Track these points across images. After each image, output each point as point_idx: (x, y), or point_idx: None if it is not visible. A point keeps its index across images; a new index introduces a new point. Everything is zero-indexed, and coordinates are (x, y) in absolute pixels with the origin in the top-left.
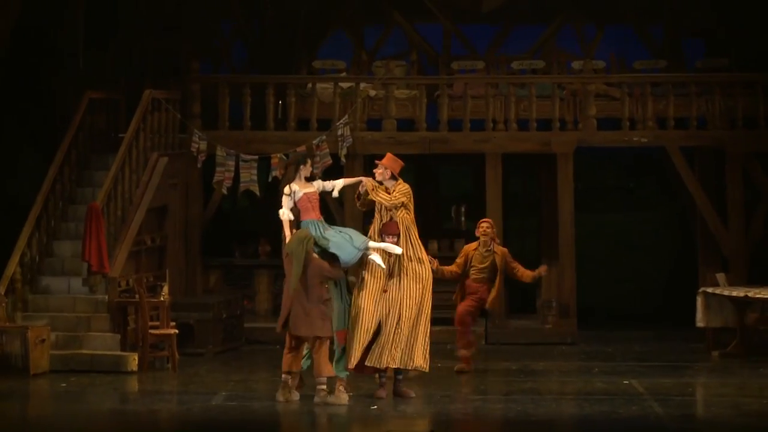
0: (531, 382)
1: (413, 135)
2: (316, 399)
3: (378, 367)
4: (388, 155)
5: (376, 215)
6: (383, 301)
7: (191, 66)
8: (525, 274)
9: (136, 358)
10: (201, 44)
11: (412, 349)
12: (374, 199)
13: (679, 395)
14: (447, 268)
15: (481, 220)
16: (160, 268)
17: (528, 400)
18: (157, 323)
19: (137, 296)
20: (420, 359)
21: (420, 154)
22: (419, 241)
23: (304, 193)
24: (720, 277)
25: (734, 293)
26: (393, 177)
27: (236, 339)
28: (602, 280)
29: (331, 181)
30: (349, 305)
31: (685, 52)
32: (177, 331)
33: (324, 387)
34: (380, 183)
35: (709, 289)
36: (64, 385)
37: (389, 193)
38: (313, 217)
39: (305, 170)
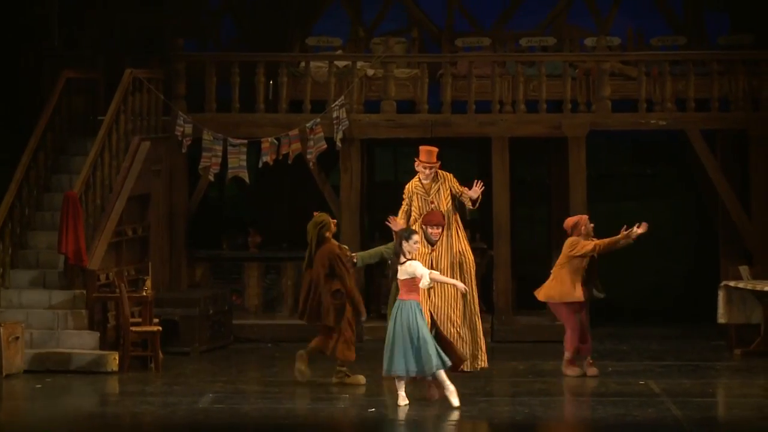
0: (540, 383)
1: (414, 117)
2: (334, 379)
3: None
4: (422, 149)
5: (414, 208)
6: (433, 301)
7: (175, 43)
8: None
9: (117, 357)
10: (186, 19)
11: (480, 348)
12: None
13: (699, 397)
14: (605, 241)
15: (578, 219)
16: (142, 260)
17: (536, 402)
18: (139, 320)
19: (118, 291)
20: (486, 357)
21: (421, 138)
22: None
23: None
24: (743, 269)
25: (758, 287)
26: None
27: (224, 337)
28: (616, 273)
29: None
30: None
31: (707, 27)
32: (160, 328)
33: (344, 369)
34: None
35: (732, 283)
36: (39, 385)
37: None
38: (412, 297)
39: (410, 244)
